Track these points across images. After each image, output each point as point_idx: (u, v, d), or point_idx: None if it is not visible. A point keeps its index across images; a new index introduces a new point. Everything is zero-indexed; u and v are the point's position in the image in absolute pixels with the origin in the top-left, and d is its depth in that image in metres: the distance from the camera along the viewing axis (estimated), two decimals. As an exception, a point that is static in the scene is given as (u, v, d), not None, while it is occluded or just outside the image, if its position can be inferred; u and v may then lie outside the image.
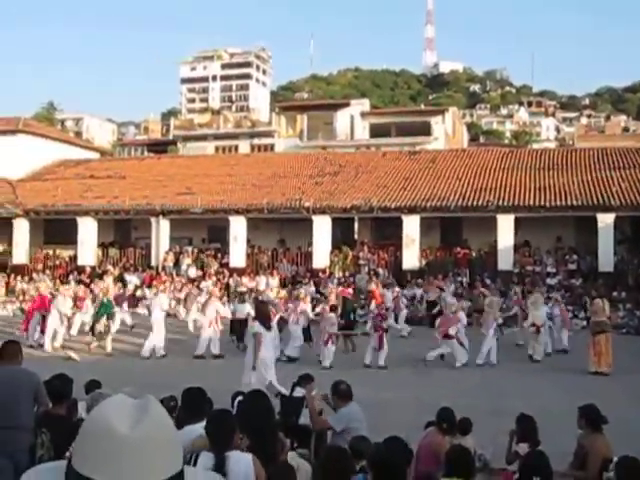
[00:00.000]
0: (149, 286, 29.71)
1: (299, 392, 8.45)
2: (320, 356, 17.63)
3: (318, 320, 19.59)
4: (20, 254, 34.32)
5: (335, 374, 12.89)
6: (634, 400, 13.42)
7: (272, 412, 5.50)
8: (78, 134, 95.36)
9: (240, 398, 6.66)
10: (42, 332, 20.20)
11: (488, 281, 27.23)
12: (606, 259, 27.71)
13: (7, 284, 31.44)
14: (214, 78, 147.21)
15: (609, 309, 17.91)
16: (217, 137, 56.30)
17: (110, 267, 32.16)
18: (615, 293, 25.83)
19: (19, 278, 31.81)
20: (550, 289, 26.64)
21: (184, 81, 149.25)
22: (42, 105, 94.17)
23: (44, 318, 20.28)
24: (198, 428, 4.45)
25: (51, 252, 35.16)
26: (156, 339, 18.71)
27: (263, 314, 12.53)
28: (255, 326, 12.39)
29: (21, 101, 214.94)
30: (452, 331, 17.64)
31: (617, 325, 22.71)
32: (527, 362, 18.10)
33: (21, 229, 34.34)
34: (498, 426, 9.19)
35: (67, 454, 4.46)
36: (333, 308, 18.82)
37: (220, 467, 4.06)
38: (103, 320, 19.18)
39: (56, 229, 34.87)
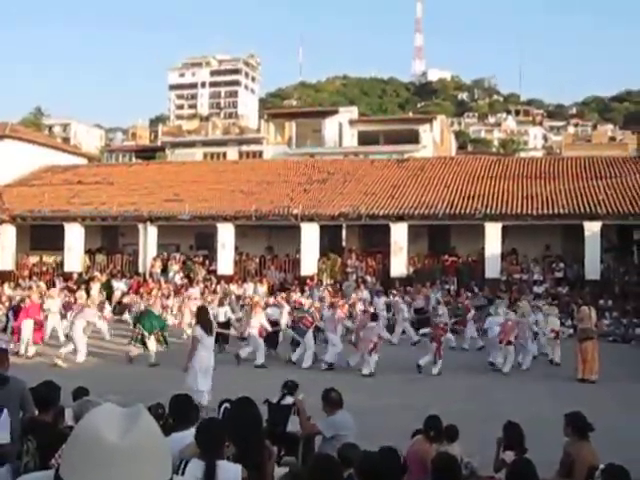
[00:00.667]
0: (136, 292, 29.61)
1: (288, 400, 8.44)
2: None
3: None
4: (6, 260, 34.14)
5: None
6: (621, 407, 13.49)
7: (259, 420, 5.49)
8: (66, 140, 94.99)
9: (227, 405, 6.63)
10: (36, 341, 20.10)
11: (475, 289, 27.32)
12: (593, 267, 27.86)
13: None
14: (203, 84, 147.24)
15: (595, 317, 17.99)
16: (205, 144, 56.30)
17: (97, 273, 32.00)
18: (602, 301, 25.96)
19: (5, 285, 31.56)
20: (537, 297, 26.76)
21: (173, 87, 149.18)
22: (29, 110, 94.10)
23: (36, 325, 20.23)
24: (187, 435, 4.44)
25: (37, 258, 35.00)
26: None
27: (204, 318, 12.70)
28: (195, 329, 12.60)
29: (8, 106, 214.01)
30: (512, 337, 17.92)
31: (604, 333, 22.83)
32: (515, 369, 18.17)
33: (7, 235, 34.17)
34: (486, 433, 9.20)
35: (53, 462, 4.44)
36: (374, 317, 18.82)
37: (210, 476, 4.05)
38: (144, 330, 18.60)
39: (43, 235, 34.69)
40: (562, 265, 29.15)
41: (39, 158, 40.57)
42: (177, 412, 5.53)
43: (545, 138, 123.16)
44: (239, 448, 4.58)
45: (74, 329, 18.58)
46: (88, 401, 5.48)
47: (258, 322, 18.75)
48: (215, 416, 5.64)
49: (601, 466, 5.91)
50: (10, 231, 34.18)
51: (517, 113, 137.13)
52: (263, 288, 28.77)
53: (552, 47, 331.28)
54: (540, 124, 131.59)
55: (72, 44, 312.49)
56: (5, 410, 5.53)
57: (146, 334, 18.45)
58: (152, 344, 18.45)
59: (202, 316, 12.85)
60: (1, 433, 5.48)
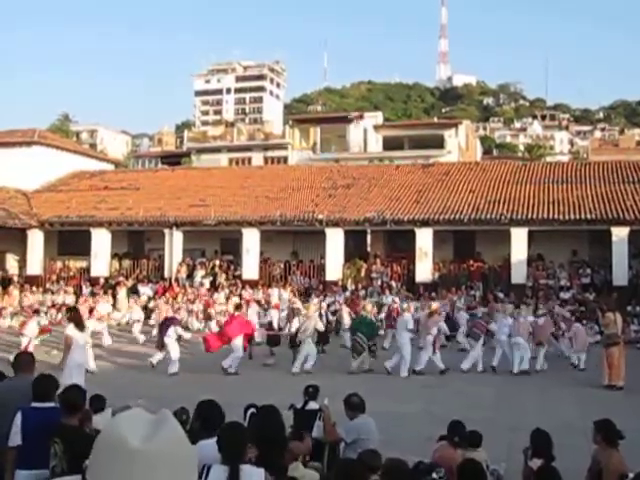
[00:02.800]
0: (162, 297, 29.78)
1: (312, 405, 8.43)
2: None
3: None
4: (34, 265, 34.50)
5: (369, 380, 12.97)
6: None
7: (283, 425, 5.50)
8: (92, 146, 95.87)
9: (252, 410, 6.63)
10: None
11: (501, 294, 27.13)
12: (620, 273, 27.55)
13: (20, 294, 31.49)
14: (228, 91, 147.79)
15: (622, 323, 17.78)
16: (231, 149, 56.55)
17: (123, 278, 32.23)
18: (629, 307, 25.66)
19: (33, 289, 31.91)
20: (564, 303, 26.55)
21: (198, 93, 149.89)
22: (57, 117, 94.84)
23: None
24: (212, 442, 4.44)
25: (66, 263, 35.33)
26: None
27: (76, 318, 13.28)
28: (68, 328, 13.08)
29: (36, 112, 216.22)
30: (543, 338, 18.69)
31: (631, 339, 22.57)
32: (537, 374, 18.09)
33: (35, 240, 34.54)
34: (513, 440, 9.14)
35: (83, 466, 4.47)
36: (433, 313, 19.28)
37: (234, 480, 4.04)
38: (361, 339, 18.31)
39: (70, 240, 35.04)
40: (589, 271, 28.86)
41: (66, 164, 40.99)
42: (204, 418, 5.53)
43: (571, 143, 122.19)
44: (262, 451, 4.56)
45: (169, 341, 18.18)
46: (129, 407, 5.52)
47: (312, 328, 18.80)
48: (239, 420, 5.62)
49: (630, 475, 5.84)
50: (38, 236, 34.53)
51: (543, 118, 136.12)
52: (287, 293, 28.84)
53: (578, 51, 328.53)
54: (566, 129, 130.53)
55: (98, 50, 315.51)
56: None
57: (365, 341, 18.27)
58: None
59: (74, 316, 13.45)
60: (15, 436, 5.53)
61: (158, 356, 18.03)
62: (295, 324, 20.15)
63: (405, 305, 21.12)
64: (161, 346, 18.02)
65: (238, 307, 20.91)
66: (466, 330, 21.30)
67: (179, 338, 18.44)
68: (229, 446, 4.06)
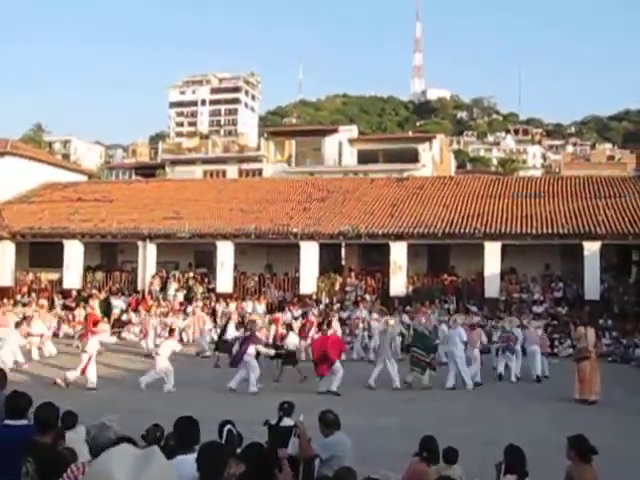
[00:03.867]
0: (135, 310, 29.60)
1: (287, 422, 8.41)
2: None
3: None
4: (5, 276, 34.12)
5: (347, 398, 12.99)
6: (620, 429, 13.43)
7: (276, 454, 5.49)
8: (66, 156, 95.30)
9: (229, 427, 6.61)
10: None
11: (474, 308, 27.27)
12: (592, 287, 27.83)
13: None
14: (203, 102, 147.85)
15: (595, 337, 17.94)
16: (205, 161, 56.35)
17: (95, 291, 31.96)
18: (601, 321, 25.91)
19: (4, 301, 31.53)
20: (536, 317, 26.76)
21: (173, 105, 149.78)
22: (30, 127, 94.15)
23: None
24: (190, 458, 4.40)
25: (36, 275, 34.97)
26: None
27: None
28: None
29: (8, 122, 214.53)
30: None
31: (603, 353, 22.75)
32: (510, 388, 18.26)
33: (6, 251, 34.16)
34: (487, 455, 9.17)
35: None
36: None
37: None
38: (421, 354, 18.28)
39: (42, 252, 34.67)
40: (561, 285, 29.12)
41: (39, 175, 40.63)
42: (181, 434, 5.50)
43: (544, 157, 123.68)
44: (249, 469, 4.49)
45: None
46: (104, 424, 5.48)
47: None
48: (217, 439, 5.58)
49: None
50: (9, 248, 34.17)
51: (516, 132, 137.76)
52: (261, 306, 28.79)
53: (551, 66, 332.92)
54: (539, 143, 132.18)
55: (73, 60, 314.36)
56: None
57: (424, 355, 18.21)
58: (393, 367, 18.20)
59: None
60: None
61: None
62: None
63: (458, 319, 21.08)
64: (236, 364, 17.67)
65: (329, 325, 20.86)
66: (501, 345, 21.17)
67: (257, 355, 18.08)
68: (209, 465, 4.03)
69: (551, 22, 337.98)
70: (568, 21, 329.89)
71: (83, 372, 17.24)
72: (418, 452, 7.44)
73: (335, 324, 23.82)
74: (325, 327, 20.36)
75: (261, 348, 18.19)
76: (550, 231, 28.24)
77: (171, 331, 19.37)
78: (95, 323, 20.06)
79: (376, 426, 13.23)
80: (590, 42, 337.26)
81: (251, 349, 17.55)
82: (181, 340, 24.73)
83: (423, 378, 18.27)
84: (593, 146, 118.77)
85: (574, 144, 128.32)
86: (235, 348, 18.25)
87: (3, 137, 42.90)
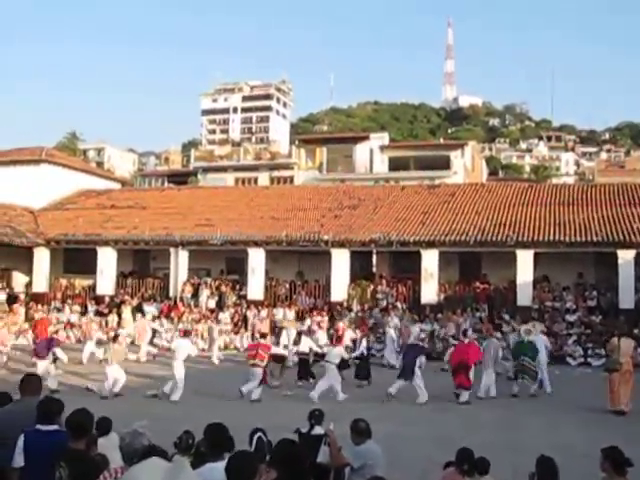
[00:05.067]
0: (167, 316, 29.84)
1: (318, 430, 8.42)
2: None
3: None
4: (40, 282, 34.60)
5: (359, 408, 12.96)
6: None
7: (307, 457, 5.44)
8: (100, 164, 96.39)
9: (259, 434, 6.62)
10: None
11: (507, 316, 27.07)
12: (627, 296, 27.43)
13: (26, 312, 31.55)
14: (235, 110, 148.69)
15: (631, 347, 17.68)
16: (237, 169, 56.72)
17: (128, 297, 32.26)
18: (636, 330, 25.52)
19: (39, 307, 31.98)
20: (570, 325, 26.49)
21: (205, 112, 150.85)
22: (65, 134, 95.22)
23: None
24: (219, 466, 4.41)
25: (70, 281, 35.38)
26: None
27: None
28: None
29: (44, 130, 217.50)
30: None
31: (638, 363, 22.41)
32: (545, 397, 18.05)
33: (41, 258, 34.64)
34: (518, 466, 9.09)
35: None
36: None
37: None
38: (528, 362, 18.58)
39: (76, 258, 35.13)
40: (595, 293, 28.74)
41: (73, 182, 41.18)
42: (212, 441, 5.52)
43: (577, 164, 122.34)
44: (281, 475, 4.45)
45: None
46: (136, 431, 5.53)
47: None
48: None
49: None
50: (44, 254, 34.64)
51: (549, 139, 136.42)
52: (292, 313, 28.84)
53: (584, 73, 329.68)
54: (572, 150, 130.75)
55: (106, 69, 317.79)
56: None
57: (532, 364, 18.50)
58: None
59: None
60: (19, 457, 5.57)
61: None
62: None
63: (537, 326, 21.39)
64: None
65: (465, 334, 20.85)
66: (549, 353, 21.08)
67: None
68: (237, 475, 4.03)
69: (583, 28, 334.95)
70: (600, 27, 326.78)
71: None
72: (455, 463, 7.37)
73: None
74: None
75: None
76: (584, 239, 27.90)
77: (115, 337, 19.28)
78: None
79: (406, 434, 13.17)
80: (623, 48, 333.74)
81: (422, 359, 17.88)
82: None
83: (532, 387, 18.54)
84: (627, 152, 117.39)
85: (608, 151, 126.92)
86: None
87: (38, 145, 43.59)
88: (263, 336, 19.51)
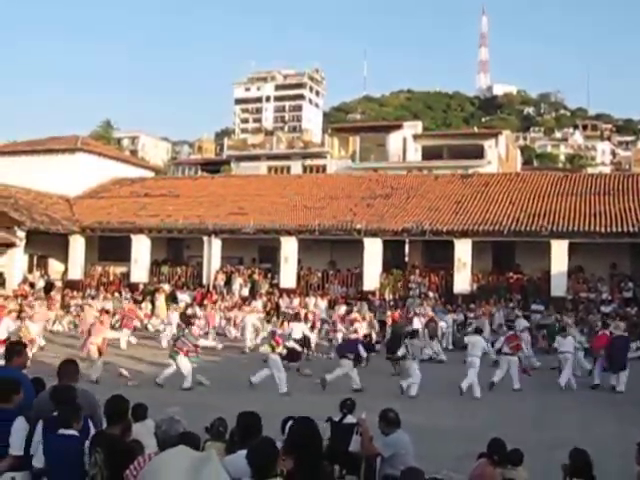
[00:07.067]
0: (200, 304, 30.02)
1: (350, 419, 8.43)
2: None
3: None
4: (75, 270, 35.05)
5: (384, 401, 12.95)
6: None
7: (321, 440, 5.44)
8: (134, 152, 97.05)
9: (291, 423, 6.64)
10: None
11: (541, 307, 26.85)
12: (663, 287, 27.08)
13: (62, 299, 31.97)
14: (267, 99, 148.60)
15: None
16: (270, 157, 56.82)
17: (162, 285, 32.53)
18: (672, 322, 25.18)
19: (75, 293, 32.43)
20: (605, 317, 26.17)
21: (238, 101, 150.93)
22: (99, 123, 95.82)
23: None
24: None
25: (105, 268, 35.80)
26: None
27: None
28: None
29: (79, 119, 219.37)
30: None
31: (674, 355, 22.11)
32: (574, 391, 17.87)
33: (77, 245, 35.09)
34: (551, 458, 9.02)
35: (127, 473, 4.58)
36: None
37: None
38: None
39: (110, 246, 35.55)
40: (631, 285, 28.37)
41: (108, 171, 41.62)
42: (244, 429, 5.55)
43: (613, 153, 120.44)
44: (297, 464, 4.45)
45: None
46: (172, 419, 5.58)
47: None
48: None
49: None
50: (79, 242, 35.07)
51: (584, 128, 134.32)
52: (324, 302, 28.88)
53: (621, 61, 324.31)
54: (608, 139, 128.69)
55: (140, 57, 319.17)
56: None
57: None
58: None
59: None
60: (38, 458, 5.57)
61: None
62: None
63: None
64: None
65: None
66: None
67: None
68: (258, 462, 4.02)
69: (619, 15, 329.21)
70: (636, 13, 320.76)
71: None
72: (487, 454, 7.33)
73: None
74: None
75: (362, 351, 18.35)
76: (619, 230, 27.57)
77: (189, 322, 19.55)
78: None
79: (436, 426, 13.12)
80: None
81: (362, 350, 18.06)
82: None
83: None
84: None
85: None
86: None
87: (74, 134, 44.06)
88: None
